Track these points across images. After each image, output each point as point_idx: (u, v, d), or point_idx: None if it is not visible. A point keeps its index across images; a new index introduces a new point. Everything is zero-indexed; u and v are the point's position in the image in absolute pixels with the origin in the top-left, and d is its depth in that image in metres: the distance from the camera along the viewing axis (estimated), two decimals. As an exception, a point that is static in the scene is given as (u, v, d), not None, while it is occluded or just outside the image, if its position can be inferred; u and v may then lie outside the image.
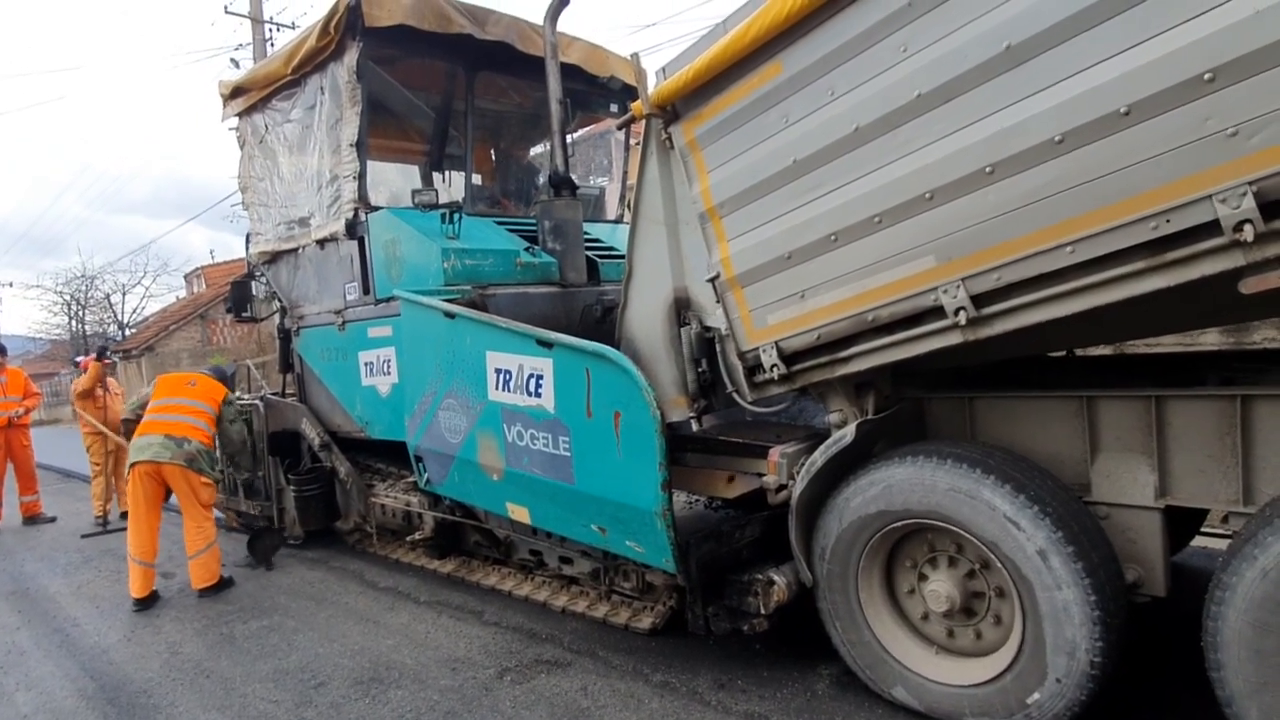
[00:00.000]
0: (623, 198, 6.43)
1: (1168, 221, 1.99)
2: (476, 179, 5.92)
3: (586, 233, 5.08)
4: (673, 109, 3.08)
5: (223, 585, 5.03)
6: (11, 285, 66.80)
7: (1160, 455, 2.50)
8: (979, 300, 2.38)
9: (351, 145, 4.78)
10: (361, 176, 4.84)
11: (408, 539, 5.11)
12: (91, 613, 4.84)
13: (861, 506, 2.86)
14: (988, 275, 2.33)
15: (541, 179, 6.06)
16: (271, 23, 17.62)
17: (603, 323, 4.52)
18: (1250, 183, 1.86)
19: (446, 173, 5.73)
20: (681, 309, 3.29)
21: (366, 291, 4.98)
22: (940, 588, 2.80)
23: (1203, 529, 3.66)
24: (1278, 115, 1.79)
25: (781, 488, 3.07)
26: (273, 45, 16.91)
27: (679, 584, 3.42)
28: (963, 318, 2.40)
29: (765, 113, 2.76)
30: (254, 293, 6.35)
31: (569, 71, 5.06)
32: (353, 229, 4.94)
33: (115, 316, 32.44)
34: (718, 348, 3.19)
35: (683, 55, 3.01)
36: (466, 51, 5.05)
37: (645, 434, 3.11)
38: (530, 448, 3.66)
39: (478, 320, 3.90)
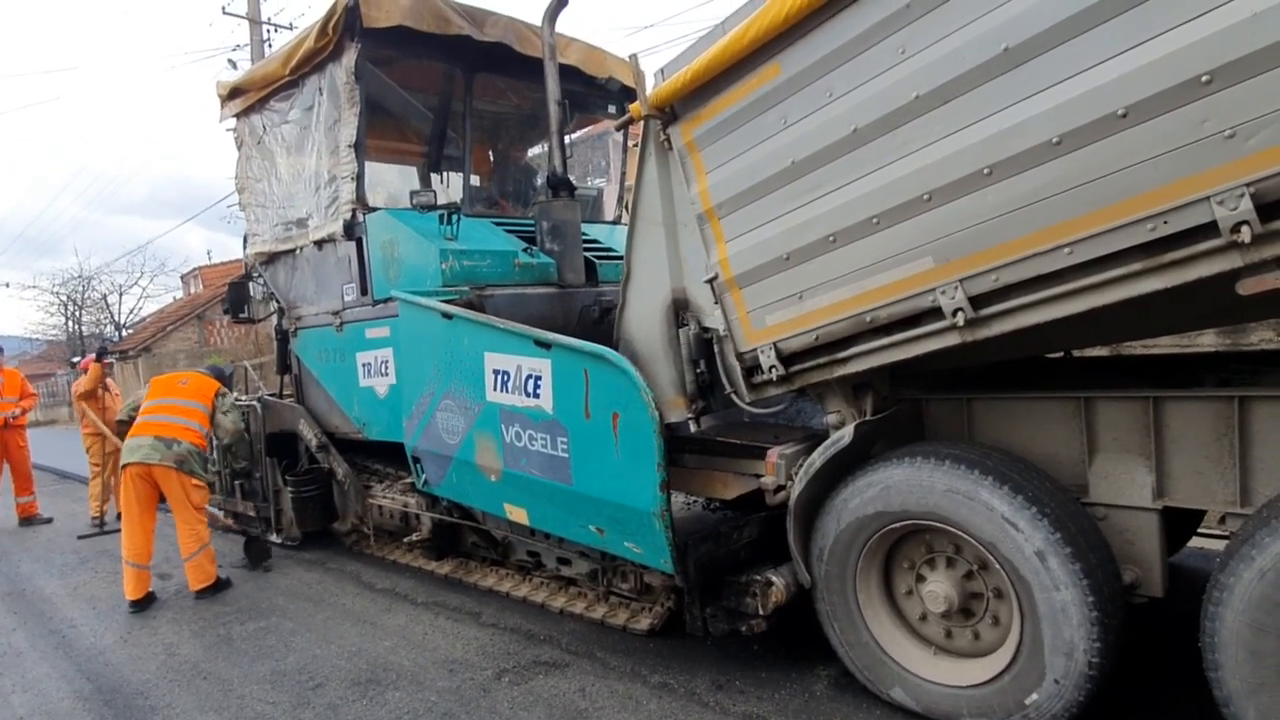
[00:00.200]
0: (621, 199, 6.44)
1: (1165, 223, 2.00)
2: (475, 180, 5.92)
3: (585, 234, 5.08)
4: (671, 110, 3.08)
5: (220, 586, 5.02)
6: (8, 286, 66.79)
7: (1158, 456, 2.50)
8: (977, 301, 2.38)
9: (350, 146, 4.78)
10: (360, 177, 4.83)
11: (405, 540, 5.11)
12: (88, 614, 4.83)
13: (860, 507, 2.86)
14: (986, 276, 2.34)
15: (540, 180, 6.07)
16: (269, 24, 17.61)
17: (601, 323, 4.53)
18: (1248, 184, 1.86)
19: (445, 174, 5.73)
20: (680, 310, 3.29)
21: (364, 292, 4.97)
22: (938, 588, 2.80)
23: (1200, 530, 3.67)
24: (1275, 117, 1.80)
25: (780, 489, 3.07)
26: (270, 46, 16.91)
27: (677, 585, 3.42)
28: (961, 319, 2.40)
29: (764, 114, 2.76)
30: (251, 294, 6.34)
31: (567, 73, 5.07)
32: (351, 230, 4.94)
33: (112, 317, 32.38)
34: (716, 349, 3.19)
35: (681, 56, 3.01)
36: (465, 53, 5.05)
37: (643, 435, 3.11)
38: (528, 448, 3.66)
39: (476, 321, 3.90)
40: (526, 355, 3.60)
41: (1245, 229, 1.88)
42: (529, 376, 3.59)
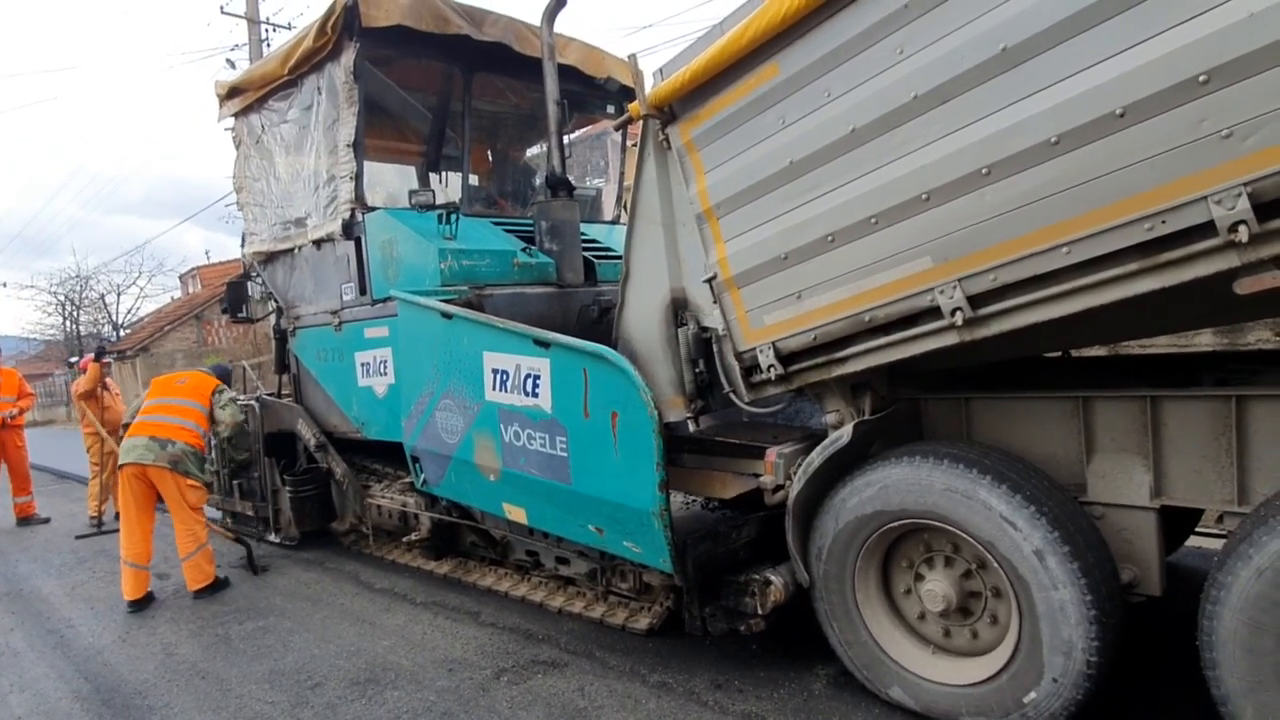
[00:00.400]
0: (619, 198, 6.44)
1: (1163, 223, 2.00)
2: (473, 180, 5.93)
3: (583, 233, 5.09)
4: (670, 110, 3.09)
5: (218, 586, 5.02)
6: (5, 285, 67.00)
7: (1155, 455, 2.51)
8: (975, 301, 2.38)
9: (348, 146, 4.78)
10: (358, 177, 4.83)
11: (404, 540, 5.11)
12: (86, 614, 4.83)
13: (858, 507, 2.86)
14: (984, 276, 2.34)
15: (538, 180, 6.07)
16: (268, 23, 17.60)
17: (599, 323, 4.53)
18: (1245, 184, 1.87)
19: (443, 173, 5.74)
20: (679, 309, 3.30)
21: (363, 292, 4.97)
22: (937, 587, 2.80)
23: (1198, 529, 3.68)
24: (1272, 117, 1.80)
25: (778, 488, 3.07)
26: (269, 46, 16.88)
27: (676, 584, 3.42)
28: (959, 318, 2.41)
29: (762, 114, 2.76)
30: (250, 293, 6.33)
31: (566, 72, 5.07)
32: (349, 229, 4.94)
33: (110, 317, 32.33)
34: (715, 348, 3.20)
35: (680, 56, 3.02)
36: (464, 52, 5.05)
37: (642, 434, 3.12)
38: (527, 448, 3.66)
39: (475, 320, 3.90)
40: (525, 354, 3.60)
41: (1242, 228, 1.88)
42: (528, 376, 3.59)
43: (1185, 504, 2.52)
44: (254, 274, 6.24)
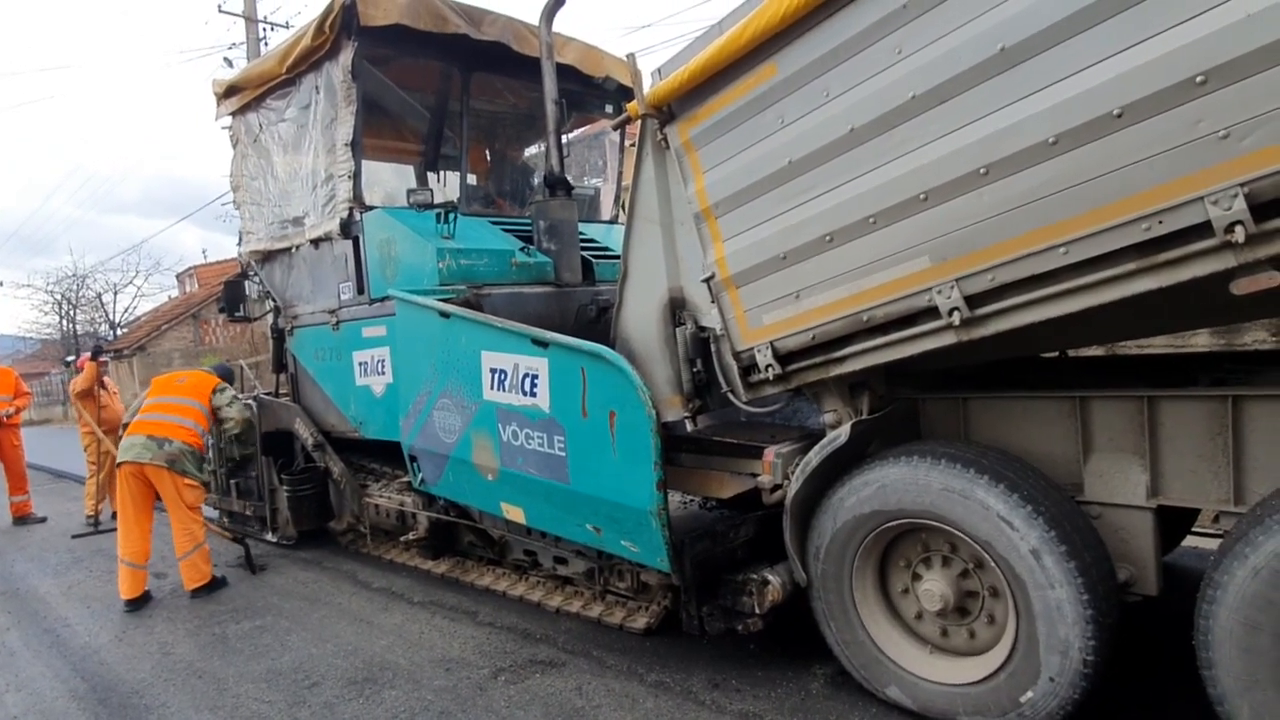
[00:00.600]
0: (618, 198, 6.44)
1: (1160, 223, 2.01)
2: (472, 179, 5.92)
3: (581, 233, 5.08)
4: (668, 109, 3.09)
5: (215, 585, 5.01)
6: (2, 284, 66.52)
7: (1152, 455, 2.52)
8: (973, 301, 2.39)
9: (346, 145, 4.78)
10: (356, 176, 4.83)
11: (402, 539, 5.10)
12: (82, 613, 4.82)
13: (856, 506, 2.86)
14: (982, 276, 2.34)
15: (537, 179, 6.07)
16: (265, 22, 17.57)
17: (597, 323, 4.53)
18: (1242, 184, 1.87)
19: (441, 173, 5.73)
20: (677, 309, 3.30)
21: (361, 291, 4.97)
22: (934, 587, 2.81)
23: (1194, 529, 3.68)
24: (1269, 117, 1.81)
25: (776, 488, 3.08)
26: (266, 45, 16.86)
27: (674, 584, 3.42)
28: (957, 318, 2.41)
29: (761, 113, 2.77)
30: (247, 292, 6.32)
31: (564, 72, 5.07)
32: (347, 228, 4.94)
33: (107, 316, 32.28)
34: (713, 348, 3.20)
35: (678, 56, 3.02)
36: (462, 51, 5.05)
37: (640, 433, 3.12)
38: (525, 447, 3.66)
39: (473, 320, 3.90)
40: (524, 354, 3.60)
41: (1239, 229, 1.89)
42: (526, 375, 3.59)
43: (1182, 504, 2.53)
44: (251, 273, 6.23)
